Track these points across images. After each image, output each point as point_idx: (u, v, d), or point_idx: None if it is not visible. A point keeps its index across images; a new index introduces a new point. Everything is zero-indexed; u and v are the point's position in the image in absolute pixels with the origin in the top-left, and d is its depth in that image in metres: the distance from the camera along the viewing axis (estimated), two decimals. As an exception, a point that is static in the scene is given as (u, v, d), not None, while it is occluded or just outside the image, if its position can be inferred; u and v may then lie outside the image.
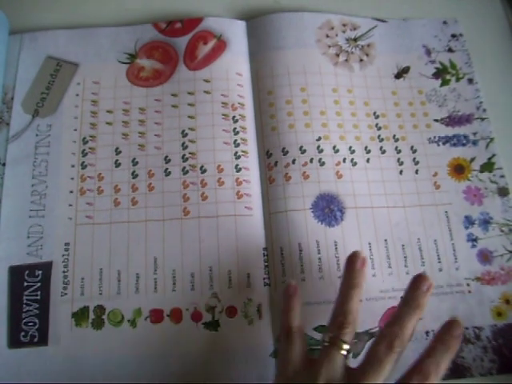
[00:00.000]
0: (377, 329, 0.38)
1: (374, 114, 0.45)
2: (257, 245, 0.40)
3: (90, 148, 0.43)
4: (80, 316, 0.38)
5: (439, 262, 0.41)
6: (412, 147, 0.44)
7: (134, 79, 0.45)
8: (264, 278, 0.40)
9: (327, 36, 0.47)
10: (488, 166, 0.44)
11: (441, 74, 0.47)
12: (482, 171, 0.44)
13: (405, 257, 0.41)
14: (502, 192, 0.43)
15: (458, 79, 0.47)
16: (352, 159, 0.43)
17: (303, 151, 0.43)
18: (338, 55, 0.47)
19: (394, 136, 0.45)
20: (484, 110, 0.46)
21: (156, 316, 0.39)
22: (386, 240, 0.41)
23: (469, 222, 0.42)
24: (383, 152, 0.44)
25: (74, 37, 0.47)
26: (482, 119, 0.46)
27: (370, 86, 0.46)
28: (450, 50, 0.48)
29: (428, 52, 0.48)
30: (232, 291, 0.39)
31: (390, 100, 0.46)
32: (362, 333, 0.38)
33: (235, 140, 0.43)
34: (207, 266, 0.40)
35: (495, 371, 0.38)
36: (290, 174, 0.42)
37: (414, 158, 0.44)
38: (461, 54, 0.48)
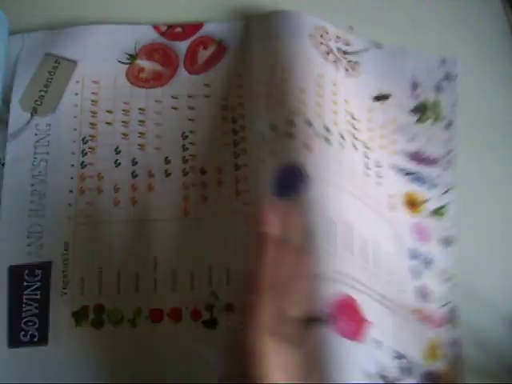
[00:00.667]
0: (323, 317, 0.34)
1: (352, 115, 0.44)
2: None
3: (89, 148, 0.43)
4: (80, 315, 0.39)
5: (389, 276, 0.40)
6: (377, 162, 0.43)
7: (134, 80, 0.45)
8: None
9: (321, 36, 0.47)
10: (439, 212, 0.43)
11: (421, 110, 0.46)
12: (432, 215, 0.43)
13: (365, 255, 0.39)
14: (447, 241, 0.43)
15: (436, 119, 0.46)
16: (327, 139, 0.40)
17: None
18: (328, 53, 0.46)
19: (365, 144, 0.43)
20: (451, 158, 0.45)
21: (155, 315, 0.39)
22: (349, 226, 0.39)
23: (413, 255, 0.42)
24: (356, 148, 0.42)
25: (72, 34, 0.46)
26: (448, 165, 0.45)
27: (350, 93, 0.45)
28: (439, 89, 0.47)
29: (415, 86, 0.47)
30: (231, 289, 0.39)
31: (364, 113, 0.45)
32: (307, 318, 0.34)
33: (235, 140, 0.43)
34: (206, 265, 0.40)
35: None
36: None
37: (378, 172, 0.43)
38: (449, 95, 0.47)
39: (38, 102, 0.44)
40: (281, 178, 0.39)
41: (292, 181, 0.38)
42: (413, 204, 0.43)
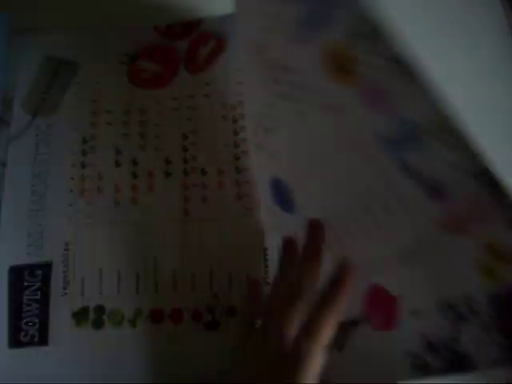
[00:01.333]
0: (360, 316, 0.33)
1: None
2: (257, 245, 0.41)
3: (90, 147, 0.43)
4: (80, 316, 0.38)
5: None
6: None
7: (134, 80, 0.45)
8: (264, 278, 0.40)
9: None
10: None
11: None
12: None
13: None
14: None
15: None
16: None
17: None
18: None
19: None
20: None
21: (156, 316, 0.39)
22: None
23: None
24: None
25: (74, 36, 0.47)
26: None
27: None
28: None
29: None
30: (232, 291, 0.39)
31: None
32: (347, 323, 0.34)
33: (235, 141, 0.43)
34: (208, 266, 0.40)
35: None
36: None
37: None
38: None
39: (40, 104, 0.44)
40: (273, 189, 0.38)
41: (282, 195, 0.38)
42: None
